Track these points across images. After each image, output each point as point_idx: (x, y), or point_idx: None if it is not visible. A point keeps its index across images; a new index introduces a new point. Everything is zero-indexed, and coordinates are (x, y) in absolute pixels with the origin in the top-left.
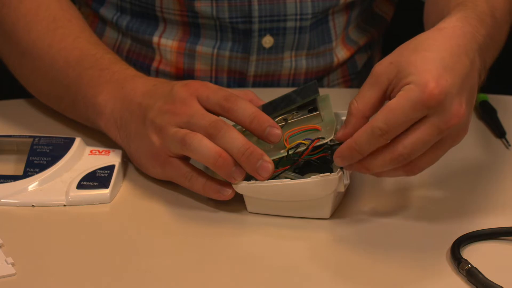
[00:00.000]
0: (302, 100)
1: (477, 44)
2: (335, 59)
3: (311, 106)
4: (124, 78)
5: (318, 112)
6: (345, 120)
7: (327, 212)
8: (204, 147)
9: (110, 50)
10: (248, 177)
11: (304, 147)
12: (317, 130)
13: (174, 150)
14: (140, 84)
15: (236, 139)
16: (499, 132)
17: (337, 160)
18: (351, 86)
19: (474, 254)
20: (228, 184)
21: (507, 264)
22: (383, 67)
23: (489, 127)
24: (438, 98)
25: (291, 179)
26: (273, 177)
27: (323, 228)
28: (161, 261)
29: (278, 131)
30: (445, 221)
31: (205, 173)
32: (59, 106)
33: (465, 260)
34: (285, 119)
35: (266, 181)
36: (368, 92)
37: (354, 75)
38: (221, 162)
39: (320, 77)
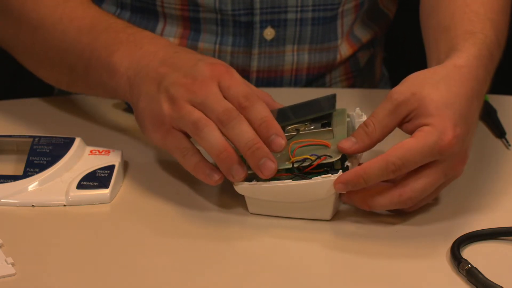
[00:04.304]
0: (316, 113)
1: (486, 84)
2: (338, 56)
3: (325, 120)
4: (141, 39)
5: (330, 128)
6: (357, 136)
7: (328, 213)
8: (212, 137)
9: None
10: (250, 178)
11: (309, 163)
12: (326, 146)
13: (182, 127)
14: (160, 48)
15: (246, 132)
16: (499, 132)
17: (338, 186)
18: (353, 84)
19: (474, 254)
20: (218, 170)
21: (507, 264)
22: (404, 97)
23: (489, 127)
24: (454, 147)
25: (292, 180)
26: (274, 179)
27: (324, 229)
28: (161, 262)
29: (282, 141)
30: (445, 221)
31: (201, 154)
32: (71, 77)
33: (465, 260)
34: (297, 129)
35: (267, 182)
36: (387, 120)
37: (356, 73)
38: (224, 156)
39: (322, 74)
